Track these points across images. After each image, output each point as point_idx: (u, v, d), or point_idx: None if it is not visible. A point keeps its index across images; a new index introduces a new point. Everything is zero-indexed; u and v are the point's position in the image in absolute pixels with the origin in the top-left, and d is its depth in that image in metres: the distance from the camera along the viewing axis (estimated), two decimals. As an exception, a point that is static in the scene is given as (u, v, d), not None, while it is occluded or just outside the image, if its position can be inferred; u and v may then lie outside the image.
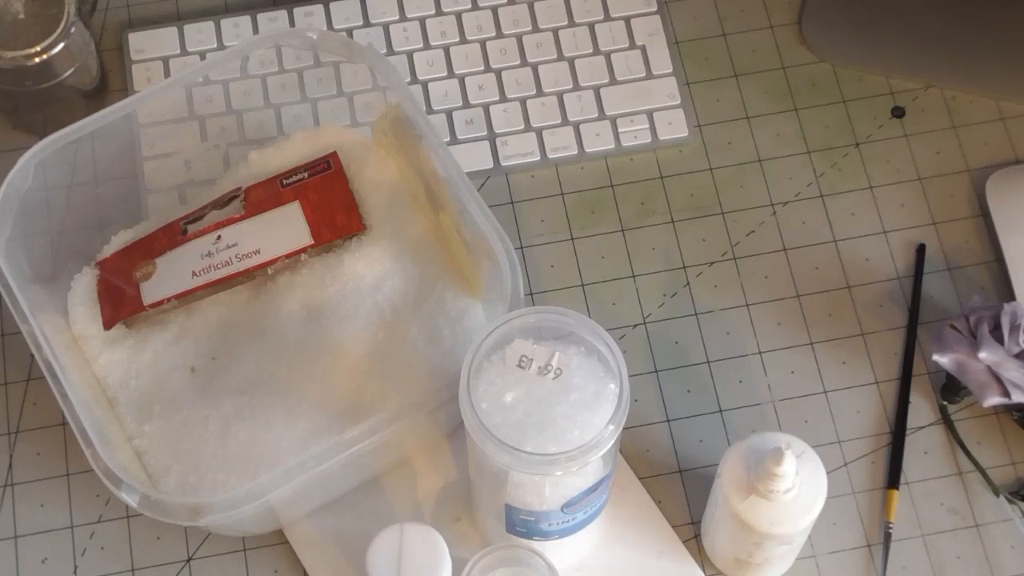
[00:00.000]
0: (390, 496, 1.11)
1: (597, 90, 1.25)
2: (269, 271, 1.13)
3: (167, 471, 1.08)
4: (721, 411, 1.14)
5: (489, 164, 1.22)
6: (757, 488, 0.98)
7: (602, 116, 1.24)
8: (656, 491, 1.12)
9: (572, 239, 1.20)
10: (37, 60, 1.16)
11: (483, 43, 1.26)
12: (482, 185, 1.22)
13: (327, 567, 1.09)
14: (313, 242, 1.13)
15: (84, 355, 1.12)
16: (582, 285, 1.19)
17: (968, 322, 1.10)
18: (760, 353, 1.16)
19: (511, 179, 1.23)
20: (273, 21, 1.27)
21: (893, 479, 1.12)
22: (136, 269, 1.14)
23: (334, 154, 1.16)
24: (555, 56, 1.26)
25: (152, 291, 1.12)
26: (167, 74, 1.25)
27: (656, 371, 1.16)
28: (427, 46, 1.26)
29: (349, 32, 1.27)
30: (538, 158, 1.23)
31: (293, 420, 1.07)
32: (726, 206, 1.21)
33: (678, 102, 1.24)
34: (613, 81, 1.25)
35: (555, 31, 1.27)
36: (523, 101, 1.24)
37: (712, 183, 1.22)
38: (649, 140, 1.23)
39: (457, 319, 1.11)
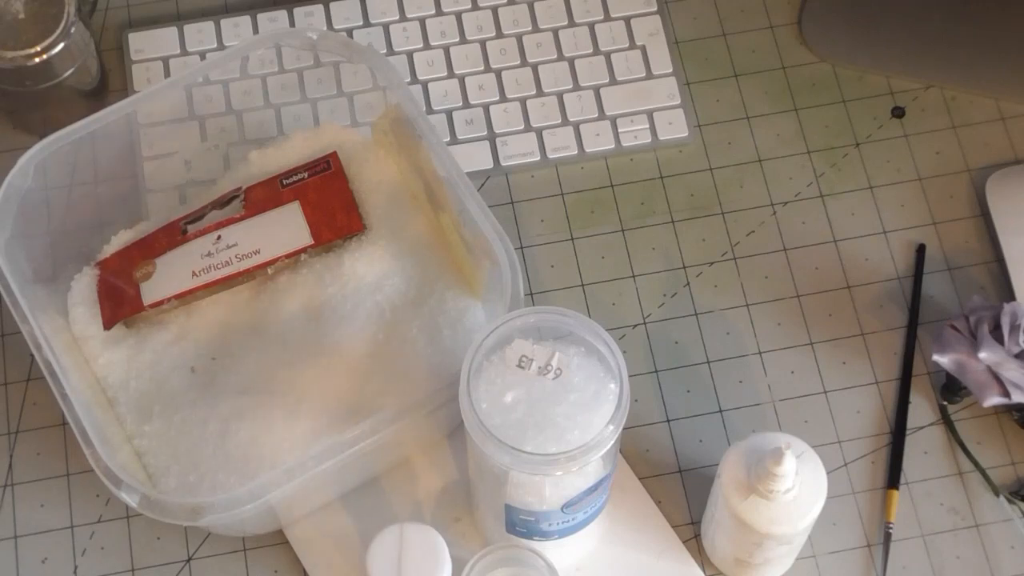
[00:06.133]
0: (390, 496, 1.11)
1: (597, 90, 1.25)
2: (269, 271, 1.13)
3: (167, 471, 1.08)
4: (721, 411, 1.14)
5: (489, 164, 1.22)
6: (757, 488, 0.98)
7: (602, 116, 1.24)
8: (656, 491, 1.12)
9: (572, 239, 1.20)
10: (37, 60, 1.16)
11: (483, 43, 1.26)
12: (482, 185, 1.22)
13: (327, 567, 1.09)
14: (313, 242, 1.13)
15: (84, 355, 1.12)
16: (582, 285, 1.19)
17: (968, 322, 1.10)
18: (760, 353, 1.16)
19: (511, 179, 1.23)
20: (273, 21, 1.27)
21: (893, 479, 1.12)
22: (136, 269, 1.14)
23: (334, 154, 1.16)
24: (555, 56, 1.26)
25: (152, 291, 1.12)
26: (167, 74, 1.25)
27: (656, 371, 1.16)
28: (427, 46, 1.26)
29: (349, 32, 1.27)
30: (538, 158, 1.23)
31: (293, 420, 1.07)
32: (726, 206, 1.21)
33: (678, 102, 1.24)
34: (613, 81, 1.25)
35: (555, 31, 1.27)
36: (523, 101, 1.24)
37: (712, 183, 1.22)
38: (649, 140, 1.23)
39: (457, 319, 1.11)
